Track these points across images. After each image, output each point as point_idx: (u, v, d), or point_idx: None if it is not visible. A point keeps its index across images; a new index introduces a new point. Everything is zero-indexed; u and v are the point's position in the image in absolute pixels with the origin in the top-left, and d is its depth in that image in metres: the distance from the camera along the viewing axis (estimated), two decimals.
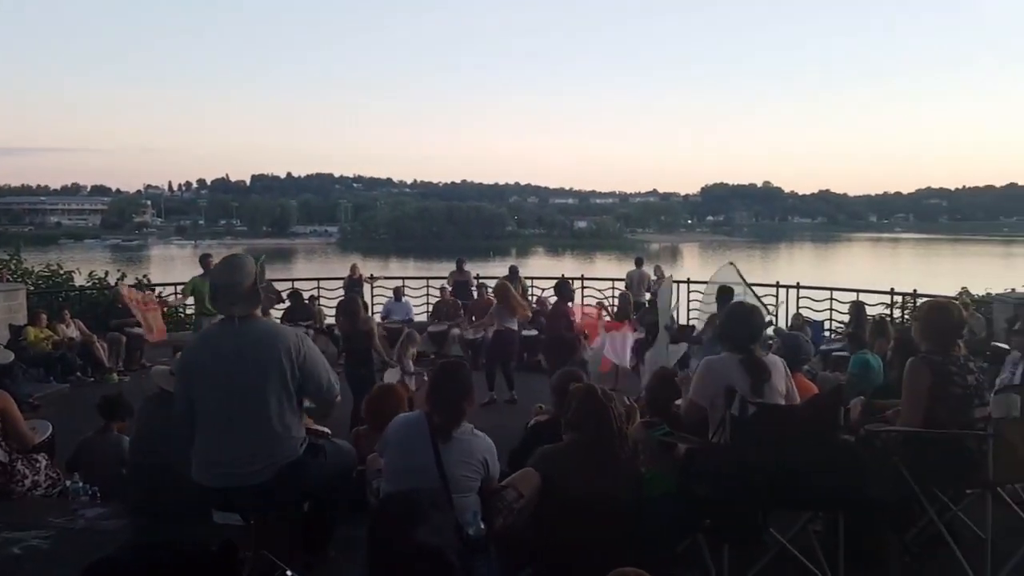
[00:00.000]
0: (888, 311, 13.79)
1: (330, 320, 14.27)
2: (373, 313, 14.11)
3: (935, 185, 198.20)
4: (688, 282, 16.36)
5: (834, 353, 10.36)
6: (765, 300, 14.91)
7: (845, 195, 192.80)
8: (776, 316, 14.72)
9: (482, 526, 3.19)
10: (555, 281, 16.86)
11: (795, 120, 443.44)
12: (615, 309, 12.69)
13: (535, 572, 3.43)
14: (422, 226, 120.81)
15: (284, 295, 14.43)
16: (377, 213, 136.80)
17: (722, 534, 3.80)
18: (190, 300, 12.61)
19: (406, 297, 15.81)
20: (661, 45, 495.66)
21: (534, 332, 13.16)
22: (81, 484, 5.63)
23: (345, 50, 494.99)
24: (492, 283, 14.55)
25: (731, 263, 11.40)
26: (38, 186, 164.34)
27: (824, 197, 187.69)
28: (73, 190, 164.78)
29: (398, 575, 2.92)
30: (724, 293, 9.62)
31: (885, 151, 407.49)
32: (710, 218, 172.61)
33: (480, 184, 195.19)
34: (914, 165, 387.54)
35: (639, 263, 16.75)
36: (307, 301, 14.94)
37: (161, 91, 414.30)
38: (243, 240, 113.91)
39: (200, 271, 11.97)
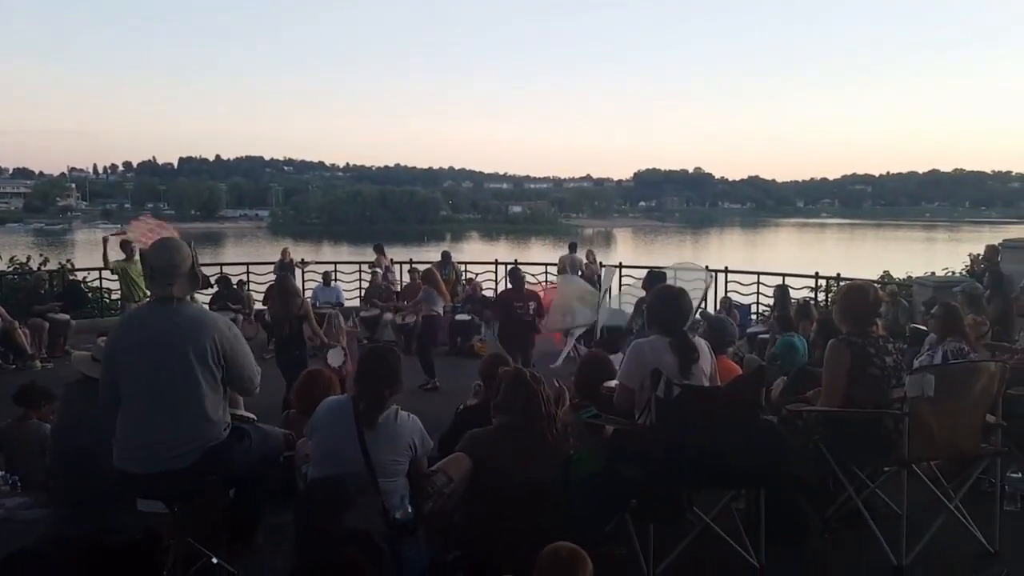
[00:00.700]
0: (813, 295, 14.13)
1: (260, 306, 14.07)
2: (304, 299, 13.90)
3: (860, 171, 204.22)
4: (620, 267, 16.52)
5: (760, 336, 10.61)
6: (693, 285, 15.23)
7: (773, 181, 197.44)
8: (705, 300, 15.02)
9: (410, 510, 3.19)
10: (490, 265, 17.02)
11: (725, 107, 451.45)
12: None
13: (464, 554, 3.44)
14: (355, 210, 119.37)
15: (212, 280, 14.12)
16: (309, 197, 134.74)
17: (647, 513, 3.86)
18: (116, 284, 12.23)
19: (336, 282, 15.63)
20: (595, 33, 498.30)
21: (467, 317, 13.20)
22: (2, 473, 5.45)
23: (274, 32, 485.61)
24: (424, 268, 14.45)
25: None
26: None
27: (753, 183, 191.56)
28: None
29: (325, 560, 2.90)
30: (654, 278, 9.72)
31: (812, 138, 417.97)
32: (642, 203, 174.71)
33: (414, 168, 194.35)
34: (840, 152, 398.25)
35: (572, 248, 16.90)
36: (236, 286, 14.66)
37: (86, 71, 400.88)
38: (171, 224, 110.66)
39: (123, 256, 11.66)
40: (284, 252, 16.05)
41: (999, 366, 4.26)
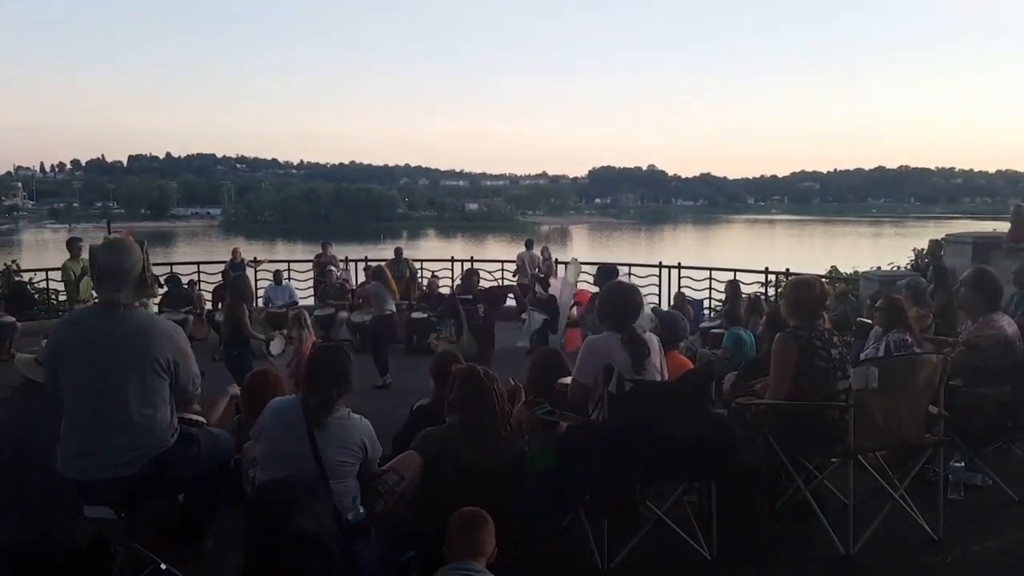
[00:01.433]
0: (763, 289, 14.34)
1: (210, 306, 13.88)
2: (257, 299, 13.74)
3: (808, 168, 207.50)
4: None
5: (712, 331, 10.73)
6: (648, 280, 15.37)
7: (725, 178, 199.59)
8: (659, 296, 15.17)
9: (361, 511, 3.16)
10: (446, 263, 16.97)
11: (677, 105, 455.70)
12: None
13: (418, 553, 3.42)
14: (309, 208, 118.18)
15: (161, 280, 13.88)
16: (262, 195, 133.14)
17: (601, 508, 3.88)
18: (62, 287, 12.04)
19: (289, 281, 15.46)
20: (549, 30, 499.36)
21: (423, 315, 13.16)
22: None
23: (224, 28, 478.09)
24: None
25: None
26: None
27: (705, 180, 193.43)
28: None
29: (276, 564, 2.87)
30: (605, 273, 9.73)
31: (762, 136, 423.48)
32: (598, 200, 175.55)
33: (369, 165, 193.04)
34: (789, 149, 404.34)
35: (529, 245, 16.89)
36: (186, 286, 14.44)
37: (31, 67, 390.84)
38: (120, 223, 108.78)
39: (68, 256, 11.45)
40: (235, 252, 15.84)
41: (940, 358, 4.35)
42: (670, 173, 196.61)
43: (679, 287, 14.60)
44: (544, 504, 3.86)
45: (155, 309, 11.05)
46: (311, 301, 15.23)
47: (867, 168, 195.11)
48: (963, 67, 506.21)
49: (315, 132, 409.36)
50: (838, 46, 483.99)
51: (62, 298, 13.79)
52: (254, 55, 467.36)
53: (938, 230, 15.57)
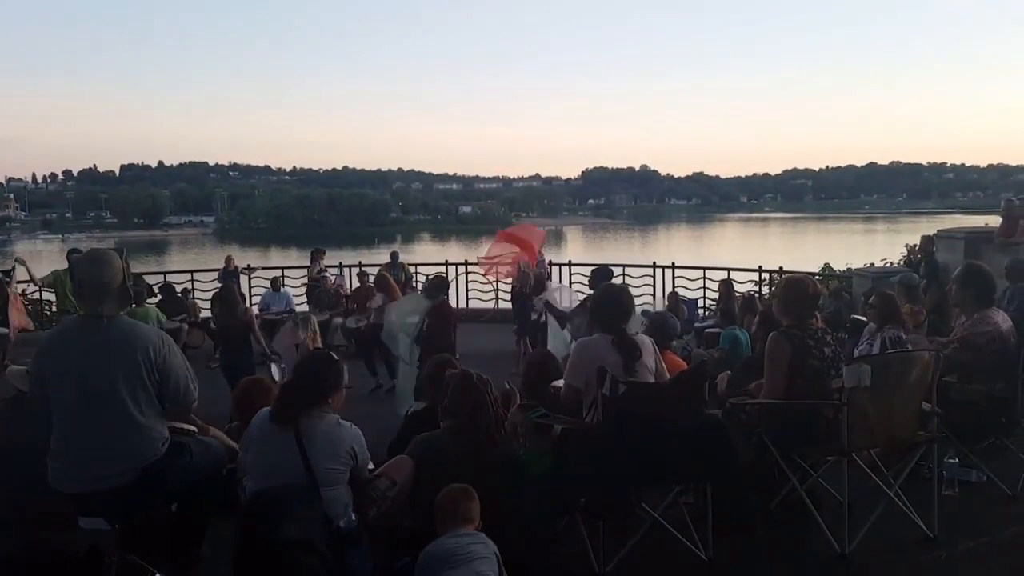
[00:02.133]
0: (757, 288, 14.35)
1: (205, 313, 13.82)
2: (252, 305, 13.70)
3: (800, 166, 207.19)
4: (570, 264, 16.58)
5: (707, 330, 10.73)
6: (641, 280, 15.37)
7: (717, 177, 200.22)
8: (654, 296, 15.16)
9: (353, 518, 3.15)
10: (441, 267, 16.93)
11: (670, 105, 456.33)
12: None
13: (413, 559, 3.42)
14: (303, 214, 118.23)
15: (155, 288, 13.83)
16: (255, 202, 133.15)
17: (597, 511, 3.88)
18: (53, 297, 11.97)
19: (285, 287, 15.42)
20: (542, 32, 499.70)
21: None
22: None
23: (215, 36, 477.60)
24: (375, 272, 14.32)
25: None
26: None
27: (698, 179, 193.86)
28: None
29: (268, 573, 2.86)
30: (599, 276, 9.74)
31: (753, 134, 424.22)
32: (591, 201, 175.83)
33: (362, 170, 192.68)
34: (781, 146, 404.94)
35: None
36: (180, 294, 14.39)
37: (21, 78, 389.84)
38: (113, 232, 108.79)
39: (66, 266, 11.41)
40: (228, 259, 15.78)
41: (933, 355, 4.35)
42: (663, 173, 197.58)
43: (673, 287, 14.60)
44: (540, 507, 3.87)
45: (155, 312, 10.99)
46: (306, 307, 15.18)
47: (859, 165, 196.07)
48: (953, 63, 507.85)
49: (307, 138, 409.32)
50: (827, 45, 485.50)
51: (55, 309, 13.70)
52: (245, 63, 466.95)
53: (930, 226, 15.58)
